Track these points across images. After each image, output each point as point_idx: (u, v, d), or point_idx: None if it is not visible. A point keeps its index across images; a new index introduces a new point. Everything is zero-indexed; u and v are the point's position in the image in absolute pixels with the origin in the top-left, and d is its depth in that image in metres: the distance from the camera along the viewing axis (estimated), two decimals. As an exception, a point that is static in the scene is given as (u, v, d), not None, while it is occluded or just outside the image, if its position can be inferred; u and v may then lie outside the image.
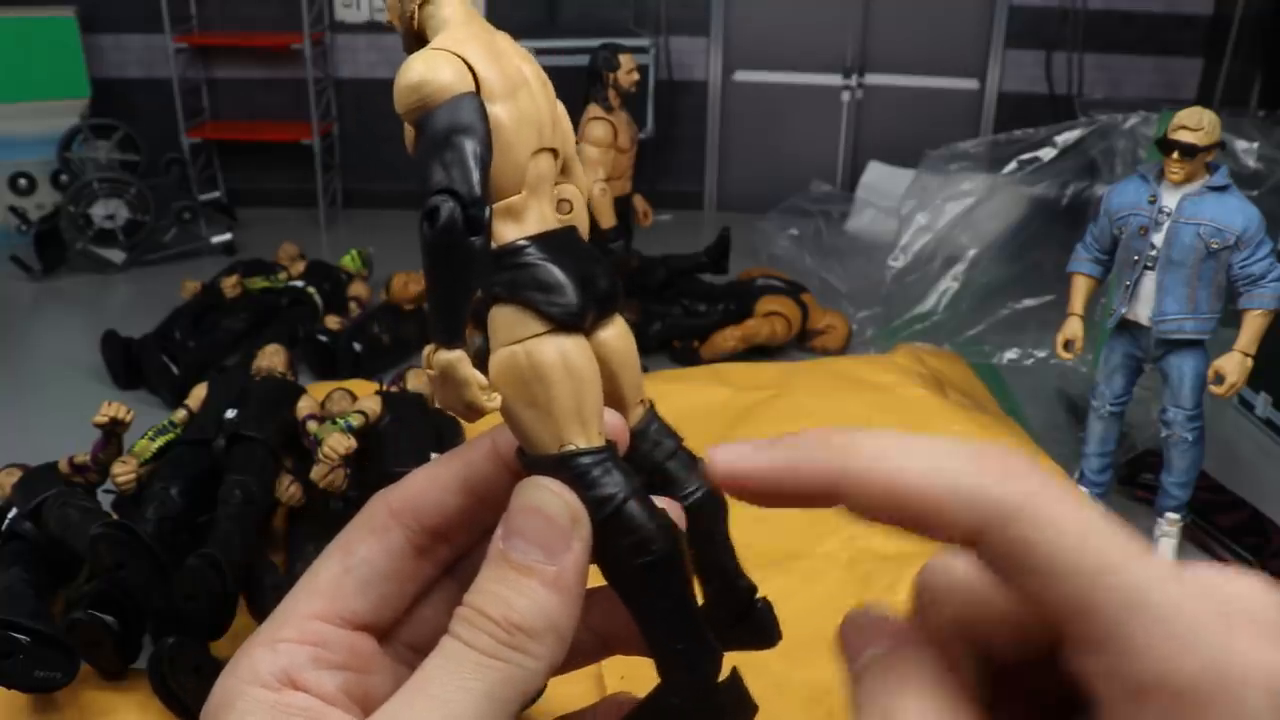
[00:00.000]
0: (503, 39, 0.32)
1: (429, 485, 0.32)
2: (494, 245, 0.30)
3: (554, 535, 0.29)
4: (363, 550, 0.31)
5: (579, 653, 0.33)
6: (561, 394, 0.30)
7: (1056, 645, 0.24)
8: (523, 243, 0.31)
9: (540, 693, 0.30)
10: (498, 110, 0.30)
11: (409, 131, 0.30)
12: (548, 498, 0.29)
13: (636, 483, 0.30)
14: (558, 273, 0.30)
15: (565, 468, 0.30)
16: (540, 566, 0.28)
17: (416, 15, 0.32)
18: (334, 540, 0.32)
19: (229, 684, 0.29)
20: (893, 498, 0.25)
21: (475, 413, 0.31)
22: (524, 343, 0.30)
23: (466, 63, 0.30)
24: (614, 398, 0.33)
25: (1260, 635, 0.21)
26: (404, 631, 0.32)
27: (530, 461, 0.31)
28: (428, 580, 0.33)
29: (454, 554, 0.33)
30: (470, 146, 0.28)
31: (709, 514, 0.33)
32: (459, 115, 0.28)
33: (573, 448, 0.30)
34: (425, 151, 0.29)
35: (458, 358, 0.29)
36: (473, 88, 0.29)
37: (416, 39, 0.32)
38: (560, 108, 0.34)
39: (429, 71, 0.29)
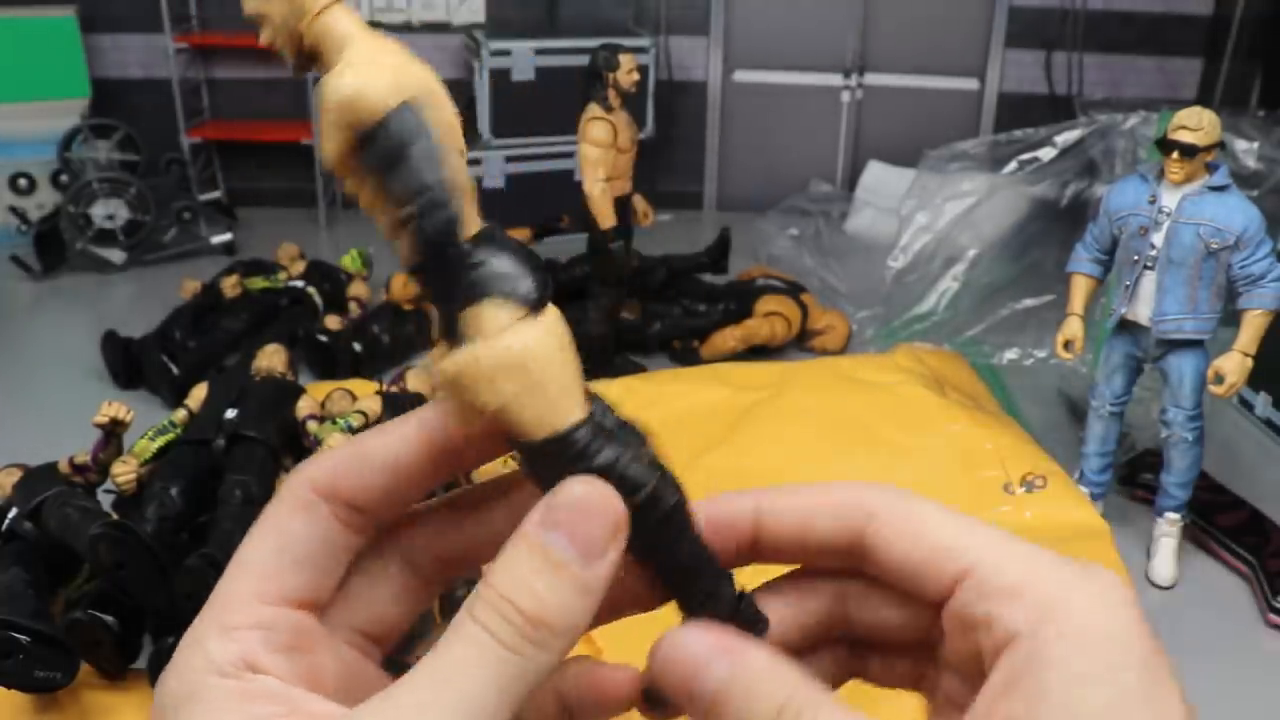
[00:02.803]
0: None
1: (351, 462, 0.31)
2: None
3: (595, 541, 0.28)
4: (292, 527, 0.31)
5: None
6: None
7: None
8: None
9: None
10: None
11: None
12: (597, 499, 0.29)
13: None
14: None
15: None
16: (576, 568, 0.28)
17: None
18: (259, 519, 0.32)
19: (188, 676, 0.28)
20: (796, 539, 0.33)
21: None
22: None
23: None
24: None
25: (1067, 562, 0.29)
26: (341, 609, 0.32)
27: None
28: (358, 551, 0.32)
29: (381, 524, 0.33)
30: None
31: None
32: None
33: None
34: None
35: None
36: None
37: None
38: None
39: None
